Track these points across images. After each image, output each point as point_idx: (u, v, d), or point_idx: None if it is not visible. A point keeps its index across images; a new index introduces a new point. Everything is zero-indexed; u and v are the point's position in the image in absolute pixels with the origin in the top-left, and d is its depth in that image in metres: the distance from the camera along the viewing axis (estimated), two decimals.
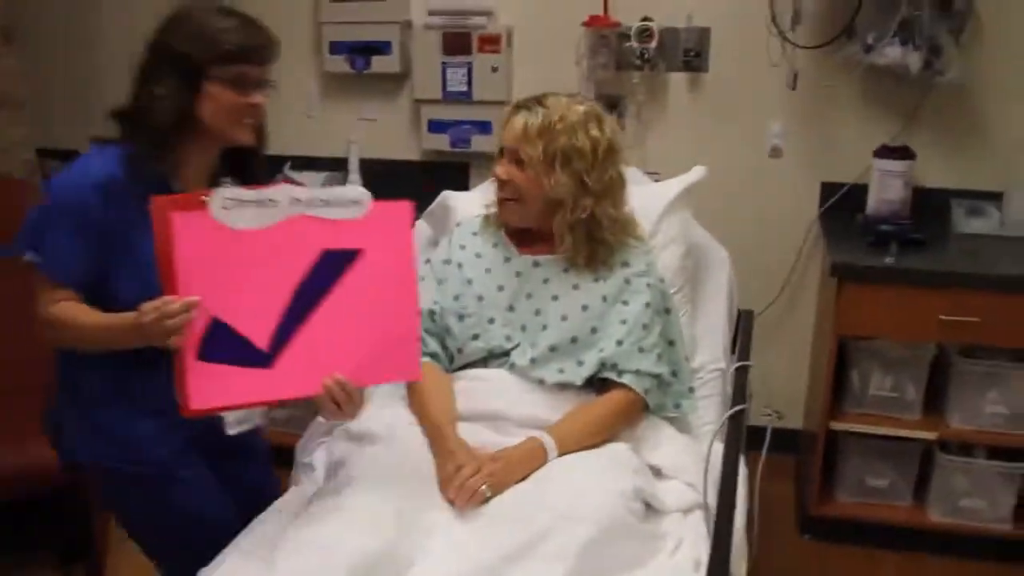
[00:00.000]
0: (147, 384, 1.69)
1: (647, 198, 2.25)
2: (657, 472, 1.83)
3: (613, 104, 3.12)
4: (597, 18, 3.01)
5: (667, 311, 1.97)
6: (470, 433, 1.79)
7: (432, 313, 1.95)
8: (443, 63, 3.17)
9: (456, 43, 3.14)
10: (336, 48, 3.25)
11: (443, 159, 3.28)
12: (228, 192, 1.46)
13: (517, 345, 1.89)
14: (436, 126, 3.25)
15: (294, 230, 1.49)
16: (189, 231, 1.43)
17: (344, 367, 1.56)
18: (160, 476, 1.75)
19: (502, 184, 1.93)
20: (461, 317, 1.93)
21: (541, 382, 1.86)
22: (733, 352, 2.25)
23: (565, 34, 3.08)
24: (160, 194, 1.46)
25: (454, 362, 1.96)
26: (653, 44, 2.98)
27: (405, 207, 1.57)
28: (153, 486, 1.76)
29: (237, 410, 1.70)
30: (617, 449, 1.80)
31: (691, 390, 1.99)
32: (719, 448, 1.81)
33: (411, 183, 3.15)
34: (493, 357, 1.92)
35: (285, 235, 1.48)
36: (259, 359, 1.50)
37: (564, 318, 1.89)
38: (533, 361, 1.87)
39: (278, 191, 1.48)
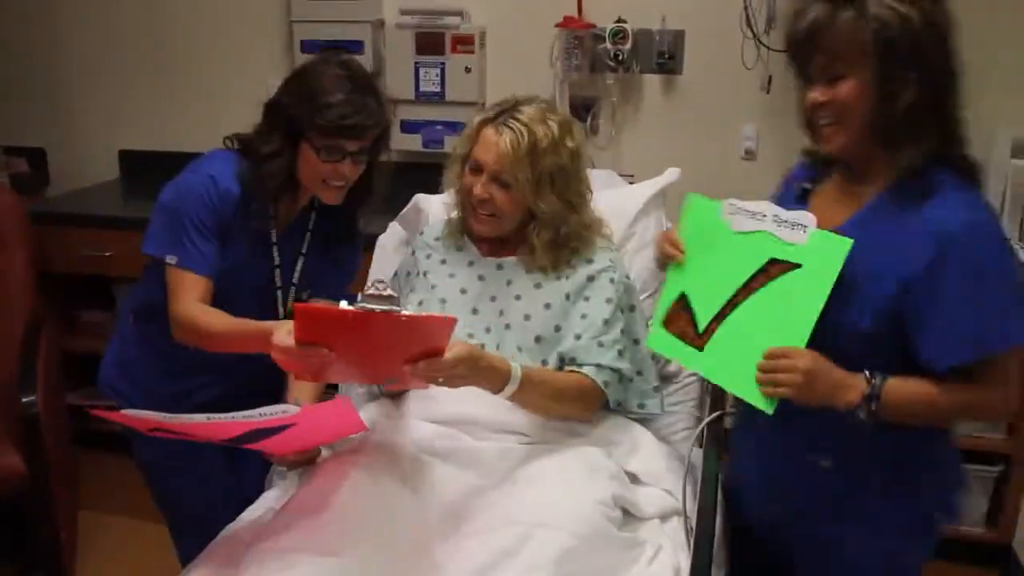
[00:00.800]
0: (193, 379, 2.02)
1: (620, 200, 2.24)
2: (634, 478, 1.81)
3: (587, 106, 3.10)
4: (571, 19, 2.99)
5: (631, 308, 1.95)
6: (444, 437, 1.76)
7: None
8: (416, 63, 3.14)
9: (429, 43, 3.11)
10: (308, 47, 3.20)
11: (415, 160, 3.24)
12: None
13: (483, 346, 1.87)
14: (409, 126, 3.21)
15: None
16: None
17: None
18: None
19: (481, 202, 1.89)
20: None
21: None
22: None
23: (539, 35, 3.06)
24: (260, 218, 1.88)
25: None
26: (627, 46, 2.97)
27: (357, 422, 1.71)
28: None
29: None
30: (591, 454, 1.78)
31: (656, 389, 1.97)
32: (698, 453, 1.80)
33: (384, 184, 3.11)
34: None
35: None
36: None
37: (527, 317, 1.87)
38: None
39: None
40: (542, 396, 1.76)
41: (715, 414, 1.79)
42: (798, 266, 1.49)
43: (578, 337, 1.84)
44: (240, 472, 2.13)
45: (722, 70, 2.97)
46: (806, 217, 1.50)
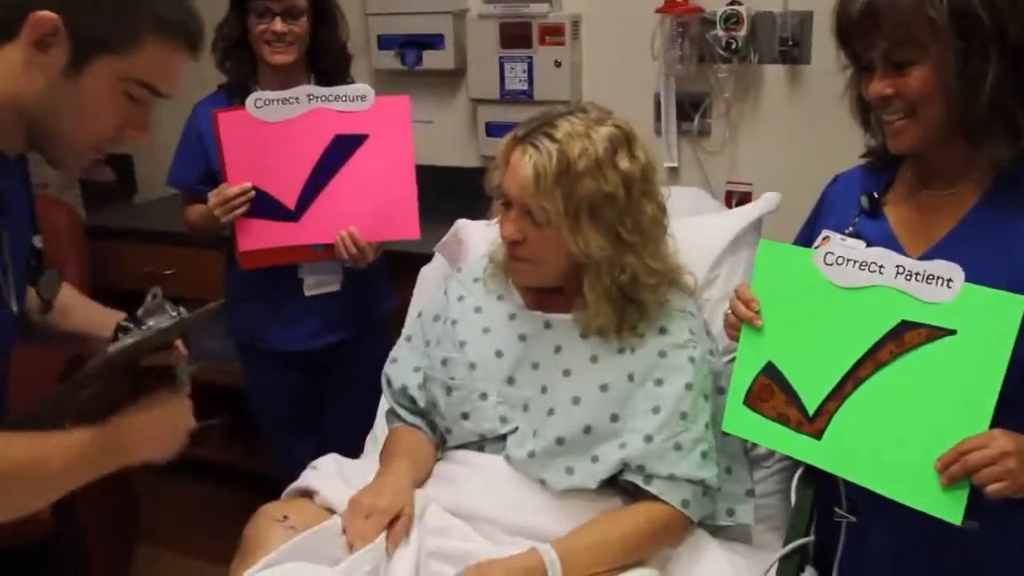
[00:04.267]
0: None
1: (703, 232, 1.80)
2: None
3: (696, 103, 2.66)
4: (675, 3, 2.54)
5: (720, 391, 1.53)
6: (454, 535, 1.42)
7: (405, 390, 1.59)
8: (500, 58, 2.78)
9: (514, 35, 2.74)
10: (385, 42, 2.91)
11: None
12: (259, 94, 1.97)
13: (515, 429, 1.50)
14: (494, 129, 2.85)
15: (313, 120, 1.97)
16: (232, 126, 1.96)
17: (354, 223, 2.00)
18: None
19: (512, 244, 1.52)
20: (449, 390, 1.55)
21: (543, 482, 1.46)
22: None
23: (639, 22, 2.63)
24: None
25: (446, 443, 1.59)
26: (743, 32, 2.50)
27: (404, 101, 2.01)
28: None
29: (313, 275, 2.18)
30: None
31: (750, 493, 1.55)
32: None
33: (468, 193, 2.78)
34: (487, 442, 1.54)
35: (306, 124, 1.97)
36: (288, 215, 2.01)
37: (576, 401, 1.48)
38: (533, 455, 1.48)
39: (298, 91, 1.97)
40: (597, 560, 1.39)
41: (797, 542, 1.34)
42: (951, 332, 1.22)
43: (648, 439, 1.45)
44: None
45: None
46: (948, 268, 1.22)
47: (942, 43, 1.20)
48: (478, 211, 2.05)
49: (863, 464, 1.27)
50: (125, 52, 1.11)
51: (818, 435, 1.30)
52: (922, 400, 1.23)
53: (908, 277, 1.24)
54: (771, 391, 1.35)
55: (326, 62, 2.18)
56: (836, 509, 1.38)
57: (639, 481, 1.45)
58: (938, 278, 1.22)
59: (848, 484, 1.36)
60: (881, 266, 1.27)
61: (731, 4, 2.51)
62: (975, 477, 1.15)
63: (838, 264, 1.30)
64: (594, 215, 1.45)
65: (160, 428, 1.26)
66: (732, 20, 2.51)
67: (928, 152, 1.32)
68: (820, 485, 1.45)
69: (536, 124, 1.48)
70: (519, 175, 1.45)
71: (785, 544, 1.33)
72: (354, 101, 1.98)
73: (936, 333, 1.23)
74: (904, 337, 1.24)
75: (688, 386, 1.47)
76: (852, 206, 1.40)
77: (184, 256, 2.85)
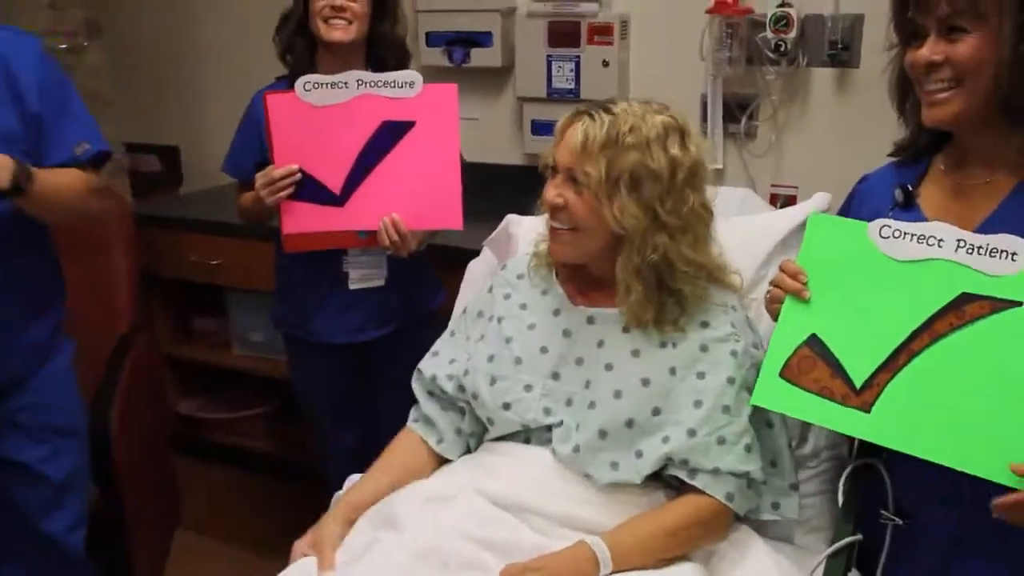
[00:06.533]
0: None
1: (752, 231, 1.81)
2: None
3: (744, 105, 2.65)
4: (724, 4, 2.54)
5: None
6: (500, 525, 1.43)
7: (434, 379, 1.61)
8: (548, 56, 2.79)
9: (563, 33, 2.75)
10: (433, 39, 2.93)
11: None
12: (308, 77, 1.99)
13: (560, 423, 1.51)
14: (540, 127, 2.86)
15: (361, 105, 1.99)
16: (281, 109, 1.98)
17: (398, 210, 2.00)
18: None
19: (554, 211, 1.54)
20: (493, 380, 1.56)
21: (588, 477, 1.47)
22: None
23: (688, 23, 2.62)
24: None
25: (486, 435, 1.60)
26: (792, 34, 2.49)
27: (451, 89, 2.00)
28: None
29: (357, 268, 2.18)
30: (682, 572, 1.39)
31: (794, 487, 1.55)
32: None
33: (513, 190, 2.79)
34: (532, 432, 1.55)
35: (354, 109, 1.99)
36: (333, 200, 2.02)
37: (618, 395, 1.49)
38: (577, 450, 1.48)
39: (347, 75, 1.98)
40: (647, 552, 1.41)
41: (845, 541, 1.32)
42: (1017, 303, 1.20)
43: (692, 433, 1.45)
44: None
45: None
46: (1012, 241, 1.21)
47: (1003, 14, 1.19)
48: (522, 208, 2.06)
49: (919, 435, 1.24)
50: None
51: (867, 408, 1.27)
52: (986, 370, 1.20)
53: (969, 251, 1.22)
54: (813, 363, 1.32)
55: (385, 54, 2.18)
56: (883, 511, 1.37)
57: (683, 476, 1.45)
58: (1002, 251, 1.21)
59: (896, 487, 1.35)
60: (940, 239, 1.24)
61: (781, 6, 2.50)
62: None
63: (895, 237, 1.27)
64: (635, 187, 1.46)
65: None
66: (782, 22, 2.50)
67: (963, 137, 1.31)
68: (866, 486, 1.43)
69: (598, 103, 1.52)
70: (569, 141, 1.49)
71: (832, 543, 1.32)
72: (402, 88, 1.99)
73: (1001, 305, 1.21)
74: (966, 309, 1.22)
75: (730, 380, 1.47)
76: (884, 201, 1.39)
77: (229, 246, 2.88)
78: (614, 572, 1.39)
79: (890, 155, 1.45)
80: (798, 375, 1.32)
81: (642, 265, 1.48)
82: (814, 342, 1.32)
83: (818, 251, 1.34)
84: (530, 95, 2.86)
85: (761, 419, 1.50)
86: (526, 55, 2.82)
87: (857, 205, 1.46)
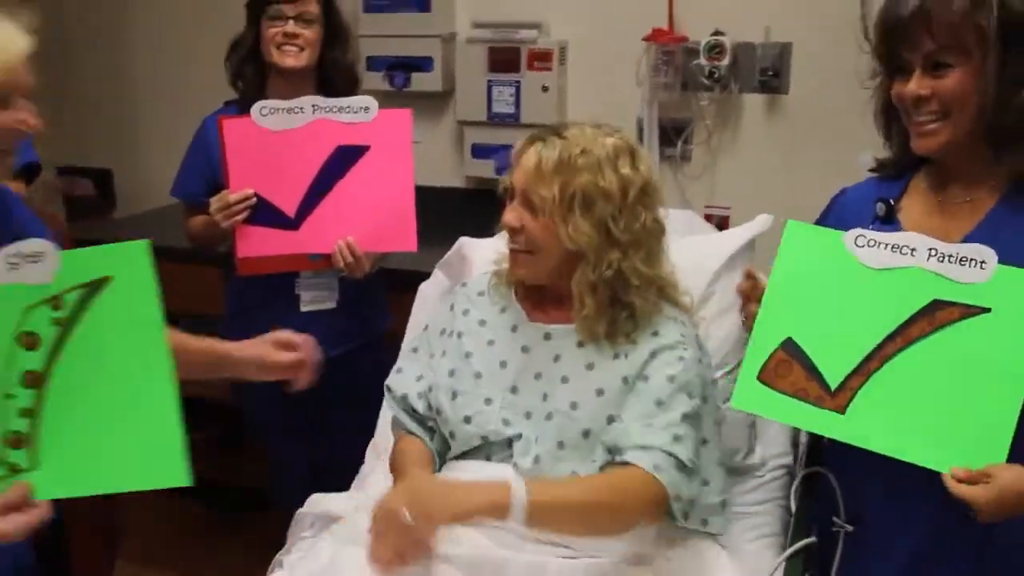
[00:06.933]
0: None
1: (699, 251, 1.87)
2: None
3: (679, 129, 2.75)
4: (661, 32, 2.64)
5: (704, 400, 1.56)
6: (465, 542, 1.45)
7: (405, 398, 1.64)
8: (489, 81, 2.85)
9: (503, 59, 2.82)
10: (374, 64, 2.97)
11: (488, 187, 2.94)
12: (264, 103, 2.01)
13: (519, 436, 1.55)
14: (480, 151, 2.93)
15: (316, 130, 2.02)
16: (236, 134, 2.01)
17: (353, 233, 2.04)
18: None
19: (512, 233, 1.58)
20: (454, 395, 1.60)
21: None
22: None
23: (625, 50, 2.72)
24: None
25: (448, 453, 1.63)
26: (725, 61, 2.61)
27: (405, 114, 2.08)
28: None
29: (309, 291, 2.21)
30: None
31: (724, 505, 1.59)
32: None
33: (453, 213, 2.84)
34: (493, 447, 1.58)
35: (309, 134, 2.02)
36: (288, 223, 2.04)
37: (575, 406, 1.53)
38: (537, 460, 1.52)
39: (303, 100, 2.02)
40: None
41: (799, 544, 1.40)
42: (985, 310, 1.26)
43: (623, 422, 1.50)
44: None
45: (834, 89, 2.55)
46: (982, 251, 1.26)
47: (986, 50, 1.24)
48: (464, 230, 2.11)
49: (888, 435, 1.28)
50: None
51: (841, 410, 1.31)
52: (955, 373, 1.26)
53: (941, 259, 1.28)
54: (789, 367, 1.35)
55: (335, 79, 2.21)
56: (835, 519, 1.43)
57: (615, 457, 1.47)
58: (971, 260, 1.26)
59: (846, 494, 1.41)
60: (913, 248, 1.29)
61: (715, 35, 2.61)
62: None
63: (870, 246, 1.32)
64: (588, 207, 1.51)
65: None
66: (716, 49, 2.61)
67: (947, 159, 1.35)
68: (818, 495, 1.50)
69: (549, 127, 1.58)
70: (524, 165, 1.54)
71: (789, 545, 1.38)
72: (358, 113, 2.03)
73: (970, 311, 1.26)
74: (937, 315, 1.28)
75: (670, 378, 1.51)
76: (864, 214, 1.43)
77: (168, 271, 2.83)
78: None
79: (871, 171, 1.51)
80: (775, 378, 1.36)
81: (597, 281, 1.53)
82: (790, 346, 1.36)
83: (795, 258, 1.38)
84: (470, 119, 2.91)
85: (697, 432, 1.53)
86: (466, 80, 2.88)
87: (835, 217, 1.50)
